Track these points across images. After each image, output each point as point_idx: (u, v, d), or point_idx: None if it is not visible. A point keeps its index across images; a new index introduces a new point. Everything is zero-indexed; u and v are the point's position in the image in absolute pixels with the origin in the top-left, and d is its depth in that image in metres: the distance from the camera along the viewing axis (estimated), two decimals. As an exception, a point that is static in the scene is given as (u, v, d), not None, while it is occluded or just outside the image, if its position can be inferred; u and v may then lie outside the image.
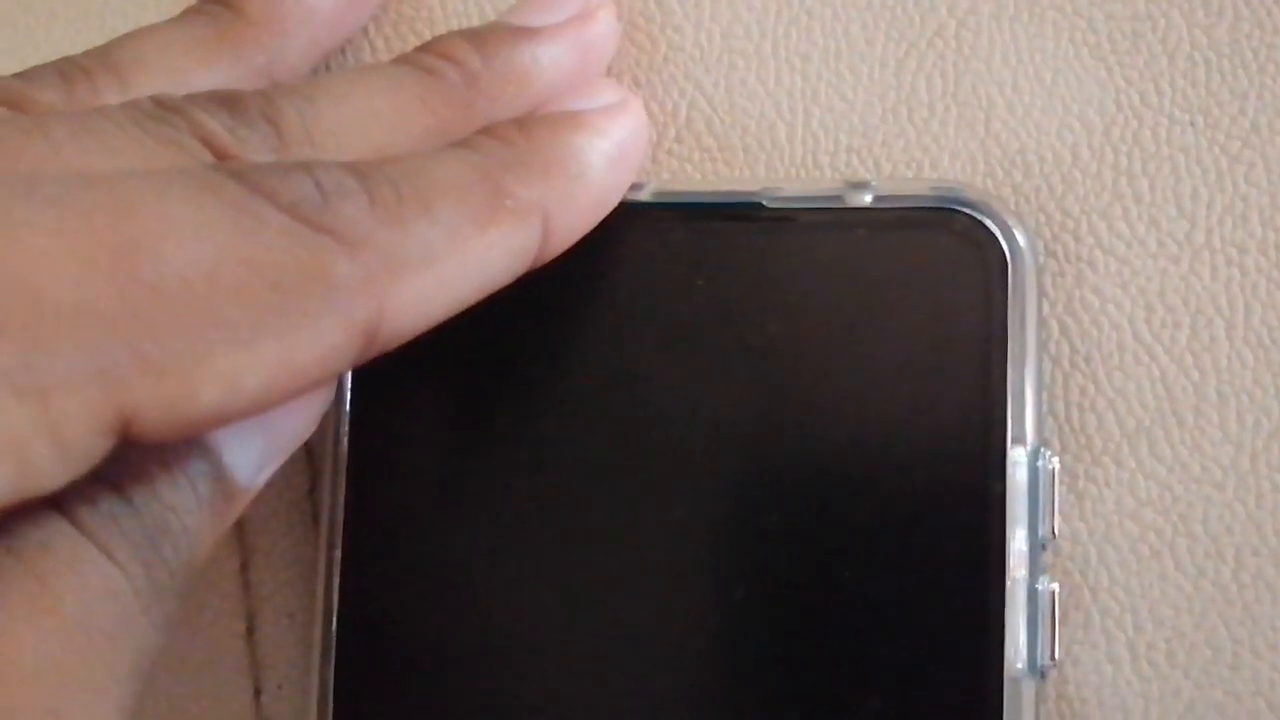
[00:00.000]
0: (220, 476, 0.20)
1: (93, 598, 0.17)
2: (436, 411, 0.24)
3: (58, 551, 0.17)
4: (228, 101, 0.20)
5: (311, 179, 0.18)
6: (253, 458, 0.20)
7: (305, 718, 0.24)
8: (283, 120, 0.20)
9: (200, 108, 0.19)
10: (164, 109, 0.19)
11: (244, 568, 0.25)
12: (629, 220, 0.23)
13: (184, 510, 0.19)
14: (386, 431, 0.24)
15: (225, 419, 0.17)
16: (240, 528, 0.25)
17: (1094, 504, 0.23)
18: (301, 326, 0.17)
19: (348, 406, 0.24)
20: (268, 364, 0.17)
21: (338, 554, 0.24)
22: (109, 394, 0.16)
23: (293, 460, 0.25)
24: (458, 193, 0.19)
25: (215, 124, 0.19)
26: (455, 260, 0.19)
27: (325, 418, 0.24)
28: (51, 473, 0.16)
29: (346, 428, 0.24)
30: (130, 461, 0.18)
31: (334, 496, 0.24)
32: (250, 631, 0.25)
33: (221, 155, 0.19)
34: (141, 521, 0.18)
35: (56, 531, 0.17)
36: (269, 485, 0.24)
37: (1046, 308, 0.24)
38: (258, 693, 0.25)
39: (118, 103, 0.20)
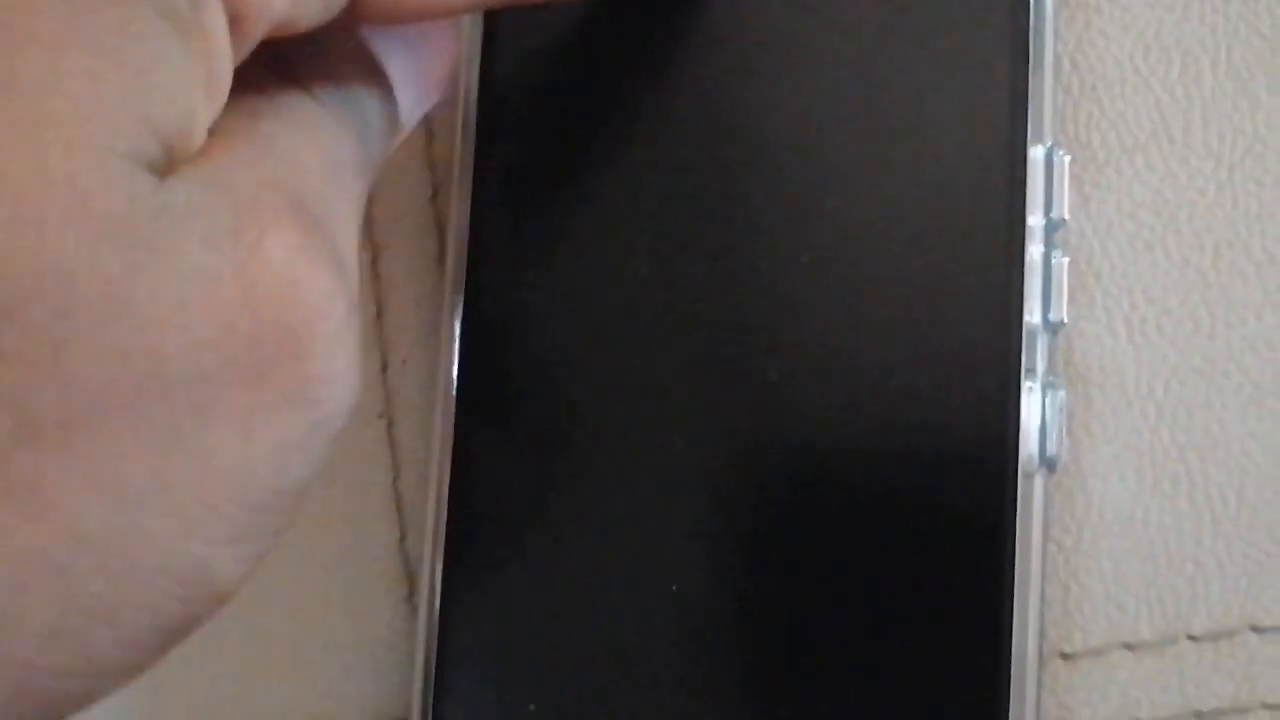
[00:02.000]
0: (390, 104, 0.24)
1: (337, 144, 0.21)
2: (547, 127, 0.28)
3: (308, 112, 0.21)
4: None
5: None
6: (410, 98, 0.24)
7: (430, 388, 0.28)
8: None
9: None
10: None
11: (374, 260, 0.29)
12: None
13: (374, 114, 0.23)
14: (503, 141, 0.28)
15: (423, 6, 0.21)
16: (370, 225, 0.29)
17: (1098, 206, 0.28)
18: None
19: (474, 114, 0.28)
20: None
21: (465, 244, 0.28)
22: None
23: (418, 169, 0.29)
24: None
25: None
26: None
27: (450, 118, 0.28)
28: (311, 5, 0.20)
29: (474, 134, 0.28)
30: (341, 69, 0.22)
31: (460, 196, 0.28)
32: (379, 313, 0.29)
33: None
34: (354, 108, 0.22)
35: (302, 100, 0.21)
36: (396, 188, 0.29)
37: (1060, 47, 0.28)
38: (384, 366, 0.29)
39: None
